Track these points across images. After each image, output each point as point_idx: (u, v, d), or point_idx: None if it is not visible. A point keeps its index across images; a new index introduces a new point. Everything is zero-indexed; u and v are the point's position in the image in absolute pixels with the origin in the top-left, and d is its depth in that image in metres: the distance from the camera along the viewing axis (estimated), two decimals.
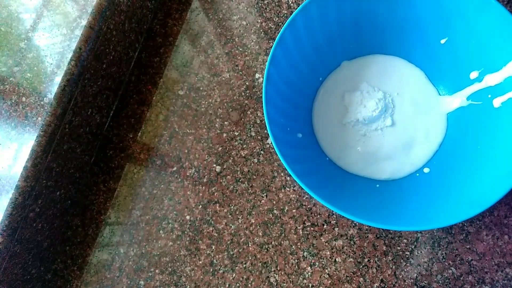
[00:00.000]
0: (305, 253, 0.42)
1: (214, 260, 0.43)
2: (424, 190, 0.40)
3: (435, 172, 0.41)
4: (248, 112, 0.47)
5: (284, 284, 0.42)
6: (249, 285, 0.42)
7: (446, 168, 0.41)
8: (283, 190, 0.44)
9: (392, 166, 0.43)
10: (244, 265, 0.43)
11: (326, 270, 0.42)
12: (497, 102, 0.39)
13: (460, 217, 0.34)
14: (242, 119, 0.47)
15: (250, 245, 0.43)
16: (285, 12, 0.49)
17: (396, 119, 0.44)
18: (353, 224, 0.43)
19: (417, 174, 0.42)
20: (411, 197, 0.40)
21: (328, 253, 0.42)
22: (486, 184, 0.36)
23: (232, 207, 0.45)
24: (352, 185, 0.42)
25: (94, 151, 0.48)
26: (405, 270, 0.41)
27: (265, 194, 0.45)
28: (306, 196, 0.44)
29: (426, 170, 0.42)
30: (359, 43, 0.45)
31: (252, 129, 0.47)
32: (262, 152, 0.46)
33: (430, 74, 0.44)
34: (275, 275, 0.42)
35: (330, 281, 0.42)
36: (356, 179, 0.43)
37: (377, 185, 0.42)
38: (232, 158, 0.46)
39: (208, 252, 0.44)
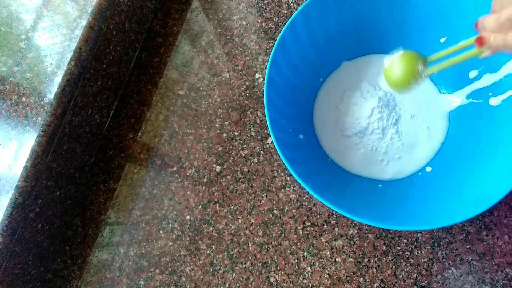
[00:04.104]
0: (305, 253, 0.42)
1: (214, 260, 0.43)
2: (426, 190, 0.40)
3: (437, 171, 0.41)
4: (248, 112, 0.47)
5: (284, 284, 0.42)
6: (249, 285, 0.42)
7: (447, 167, 0.41)
8: (283, 190, 0.44)
9: (395, 166, 0.43)
10: (244, 265, 0.43)
11: (326, 270, 0.42)
12: (497, 100, 0.39)
13: (460, 217, 0.34)
14: (242, 119, 0.47)
15: (250, 245, 0.43)
16: (285, 12, 0.49)
17: (398, 118, 0.44)
18: (353, 224, 0.43)
19: (419, 174, 0.42)
20: (412, 197, 0.40)
21: (328, 253, 0.42)
22: (487, 184, 0.36)
23: (232, 207, 0.45)
24: (355, 186, 0.42)
25: (94, 151, 0.48)
26: (405, 270, 0.41)
27: (265, 194, 0.45)
28: (306, 196, 0.44)
29: (428, 169, 0.42)
30: (359, 43, 0.45)
31: (252, 129, 0.47)
32: (262, 152, 0.46)
33: None
34: (275, 275, 0.42)
35: (330, 281, 0.42)
36: (359, 180, 0.43)
37: (380, 185, 0.42)
38: (232, 158, 0.46)
39: (208, 252, 0.44)
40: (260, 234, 0.44)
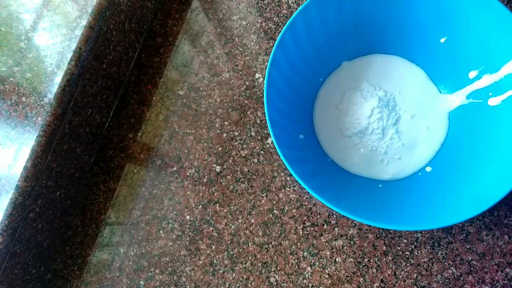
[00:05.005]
0: (305, 253, 0.42)
1: (214, 260, 0.43)
2: (426, 190, 0.40)
3: (437, 171, 0.41)
4: (248, 112, 0.47)
5: (284, 284, 0.42)
6: (249, 285, 0.42)
7: (448, 167, 0.41)
8: (283, 190, 0.44)
9: (395, 166, 0.43)
10: (244, 265, 0.43)
11: (326, 270, 0.42)
12: (497, 100, 0.39)
13: (460, 217, 0.34)
14: (242, 119, 0.47)
15: (250, 245, 0.43)
16: (285, 12, 0.49)
17: (398, 118, 0.44)
18: (353, 224, 0.43)
19: (419, 173, 0.42)
20: (412, 197, 0.40)
21: (328, 253, 0.42)
22: (487, 184, 0.36)
23: (232, 207, 0.45)
24: (355, 186, 0.42)
25: (94, 151, 0.48)
26: (405, 270, 0.41)
27: (265, 194, 0.45)
28: (306, 196, 0.44)
29: (428, 169, 0.42)
30: (359, 43, 0.45)
31: (252, 129, 0.47)
32: (262, 152, 0.46)
33: (431, 72, 0.44)
34: (275, 275, 0.42)
35: (330, 281, 0.42)
36: (359, 180, 0.43)
37: (380, 185, 0.42)
38: (232, 158, 0.46)
39: (208, 252, 0.44)
40: (260, 234, 0.44)
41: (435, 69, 0.44)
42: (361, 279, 0.41)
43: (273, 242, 0.43)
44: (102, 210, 0.47)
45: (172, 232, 0.45)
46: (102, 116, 0.48)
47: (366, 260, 0.42)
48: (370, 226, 0.42)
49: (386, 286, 0.41)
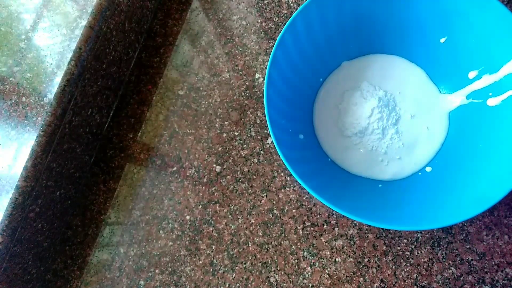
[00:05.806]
0: (305, 253, 0.42)
1: (214, 260, 0.43)
2: (426, 190, 0.40)
3: (437, 171, 0.41)
4: (248, 112, 0.47)
5: (284, 284, 0.42)
6: (249, 285, 0.42)
7: (448, 167, 0.41)
8: (283, 190, 0.44)
9: (395, 166, 0.43)
10: (244, 265, 0.43)
11: (326, 270, 0.42)
12: (497, 100, 0.39)
13: (460, 217, 0.34)
14: (242, 119, 0.47)
15: (250, 245, 0.43)
16: (285, 12, 0.49)
17: (398, 118, 0.44)
18: (353, 224, 0.43)
19: (419, 173, 0.42)
20: (412, 197, 0.40)
21: (328, 253, 0.42)
22: (487, 184, 0.36)
23: (232, 207, 0.45)
24: (355, 186, 0.42)
25: (94, 151, 0.48)
26: (405, 270, 0.41)
27: (265, 194, 0.45)
28: (306, 196, 0.44)
29: (428, 169, 0.42)
30: (359, 43, 0.45)
31: (252, 129, 0.47)
32: (262, 152, 0.46)
33: (431, 72, 0.44)
34: (275, 275, 0.42)
35: (330, 281, 0.42)
36: (359, 180, 0.43)
37: (380, 185, 0.42)
38: (232, 158, 0.46)
39: (208, 252, 0.44)
40: (260, 234, 0.44)
41: (435, 69, 0.44)
42: (361, 279, 0.41)
43: (273, 242, 0.43)
44: (102, 210, 0.47)
45: (172, 232, 0.45)
46: (102, 116, 0.48)
47: (366, 260, 0.42)
48: (370, 226, 0.42)
49: (386, 286, 0.41)
